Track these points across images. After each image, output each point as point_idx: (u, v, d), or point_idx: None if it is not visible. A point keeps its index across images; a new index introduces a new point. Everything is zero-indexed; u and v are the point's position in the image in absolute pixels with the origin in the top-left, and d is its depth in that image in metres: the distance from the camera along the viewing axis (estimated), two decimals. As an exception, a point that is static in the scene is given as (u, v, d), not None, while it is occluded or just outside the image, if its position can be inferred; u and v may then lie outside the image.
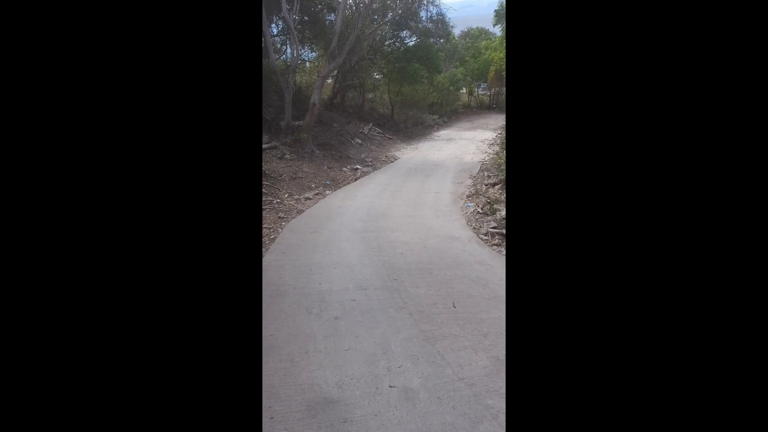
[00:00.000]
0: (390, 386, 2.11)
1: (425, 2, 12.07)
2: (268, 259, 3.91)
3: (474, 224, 5.32)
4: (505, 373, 2.22)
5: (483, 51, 18.98)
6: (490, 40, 18.69)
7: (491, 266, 3.89)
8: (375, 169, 9.27)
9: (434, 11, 12.68)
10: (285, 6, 8.39)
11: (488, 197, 6.37)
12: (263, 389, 2.07)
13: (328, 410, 1.94)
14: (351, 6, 10.46)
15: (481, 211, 5.77)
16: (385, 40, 13.32)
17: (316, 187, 7.39)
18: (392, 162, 10.13)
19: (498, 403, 1.98)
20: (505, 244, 4.58)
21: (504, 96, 20.13)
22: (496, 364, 2.30)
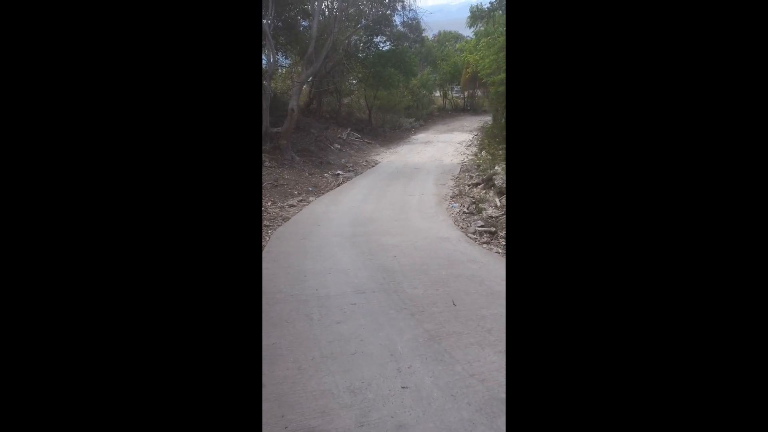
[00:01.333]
0: (402, 387, 2.10)
1: (399, 8, 12.21)
2: (259, 268, 3.83)
3: (461, 224, 5.39)
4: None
5: (454, 53, 19.30)
6: (466, 41, 19.00)
7: (484, 264, 3.95)
8: (356, 174, 9.26)
9: (410, 15, 12.84)
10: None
11: (473, 197, 6.48)
12: (273, 398, 2.02)
13: (343, 415, 1.91)
14: (324, 11, 10.45)
15: (467, 211, 5.85)
16: (360, 44, 13.37)
17: (299, 193, 7.31)
18: (373, 166, 10.15)
19: (510, 396, 2.01)
20: (494, 241, 4.66)
21: (477, 99, 20.54)
22: (503, 359, 2.33)
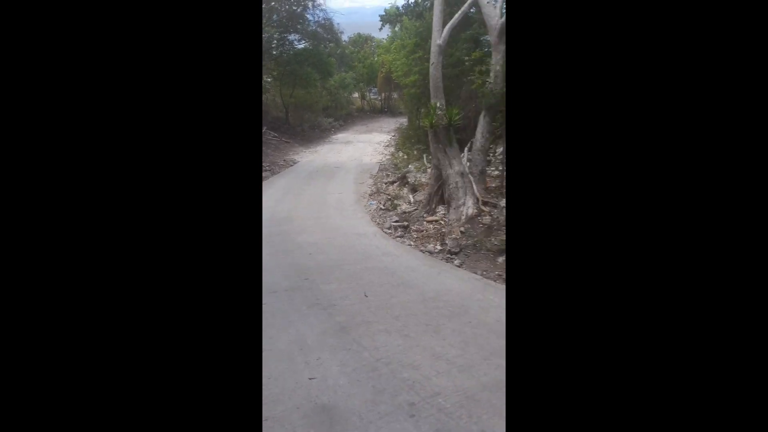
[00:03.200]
0: (309, 378, 2.12)
1: (310, 6, 12.10)
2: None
3: (378, 220, 5.53)
4: (416, 347, 2.39)
5: (371, 54, 19.60)
6: (380, 43, 19.36)
7: (396, 256, 4.11)
8: (273, 173, 9.01)
9: (321, 15, 12.78)
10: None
11: (389, 194, 6.68)
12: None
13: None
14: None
15: (383, 208, 6.03)
16: (273, 41, 13.00)
17: (210, 195, 6.91)
18: (291, 166, 9.96)
19: (412, 375, 2.13)
20: (407, 235, 4.87)
21: (393, 101, 21.12)
22: (407, 341, 2.47)
